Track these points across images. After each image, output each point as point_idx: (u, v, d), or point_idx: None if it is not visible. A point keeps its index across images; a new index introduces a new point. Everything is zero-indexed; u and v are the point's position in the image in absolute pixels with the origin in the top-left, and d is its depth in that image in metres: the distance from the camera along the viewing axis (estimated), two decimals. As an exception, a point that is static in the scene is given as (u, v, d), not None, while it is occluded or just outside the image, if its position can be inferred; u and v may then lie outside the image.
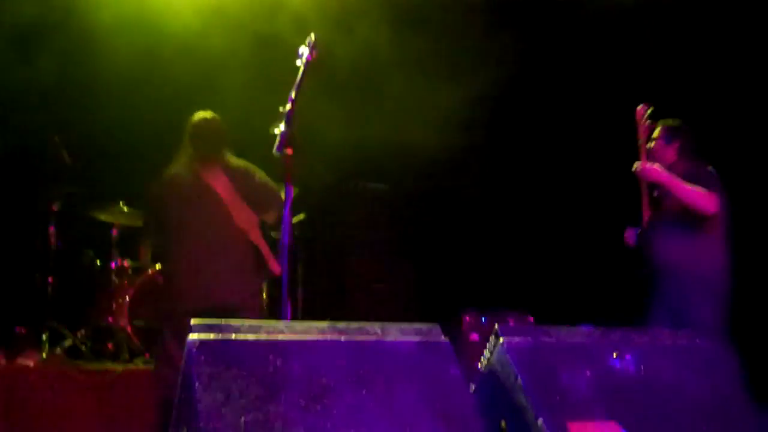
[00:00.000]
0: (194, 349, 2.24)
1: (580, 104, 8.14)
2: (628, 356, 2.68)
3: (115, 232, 6.59)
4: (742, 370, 4.67)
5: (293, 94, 3.51)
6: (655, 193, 5.16)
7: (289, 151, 3.45)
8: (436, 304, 7.99)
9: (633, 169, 5.04)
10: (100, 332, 6.43)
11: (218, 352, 2.24)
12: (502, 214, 8.63)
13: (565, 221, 8.32)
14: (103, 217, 6.63)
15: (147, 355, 6.20)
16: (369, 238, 8.28)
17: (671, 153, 5.18)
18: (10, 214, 6.88)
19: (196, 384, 2.15)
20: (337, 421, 2.23)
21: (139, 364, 6.07)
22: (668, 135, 5.22)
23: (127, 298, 6.34)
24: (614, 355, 2.67)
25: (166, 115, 7.47)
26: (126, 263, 6.61)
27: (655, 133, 5.28)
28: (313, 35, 3.68)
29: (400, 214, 8.49)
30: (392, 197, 8.54)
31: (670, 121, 5.28)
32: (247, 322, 2.38)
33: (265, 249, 4.78)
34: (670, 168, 5.03)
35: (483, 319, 7.37)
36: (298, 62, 3.63)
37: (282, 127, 3.45)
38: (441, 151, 7.71)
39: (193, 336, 2.27)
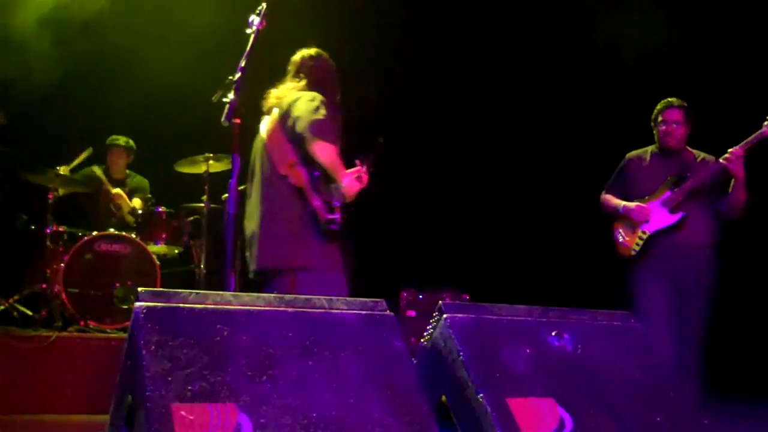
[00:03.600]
0: (141, 317, 2.23)
1: (526, 82, 8.21)
2: (566, 335, 2.75)
3: (51, 197, 6.45)
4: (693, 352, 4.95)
5: (243, 63, 3.49)
6: (686, 175, 5.21)
7: (237, 120, 3.43)
8: (374, 281, 8.03)
9: (730, 156, 5.00)
10: (33, 298, 6.31)
11: (166, 320, 2.24)
12: (442, 192, 8.70)
13: (504, 202, 8.43)
14: (38, 180, 6.49)
15: (81, 322, 6.12)
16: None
17: (684, 137, 5.35)
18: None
19: (143, 351, 2.15)
20: (282, 391, 2.25)
21: (73, 332, 5.99)
22: (688, 117, 5.35)
23: (62, 265, 6.24)
24: (553, 333, 2.74)
25: (107, 80, 7.39)
26: (61, 229, 6.49)
27: (675, 115, 5.32)
28: (264, 4, 3.67)
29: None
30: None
31: (682, 101, 5.37)
32: (195, 292, 2.38)
33: (310, 194, 4.15)
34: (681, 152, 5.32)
35: (420, 296, 7.45)
36: (249, 31, 3.62)
37: (231, 96, 3.42)
38: (380, 129, 7.74)
39: (139, 304, 2.26)
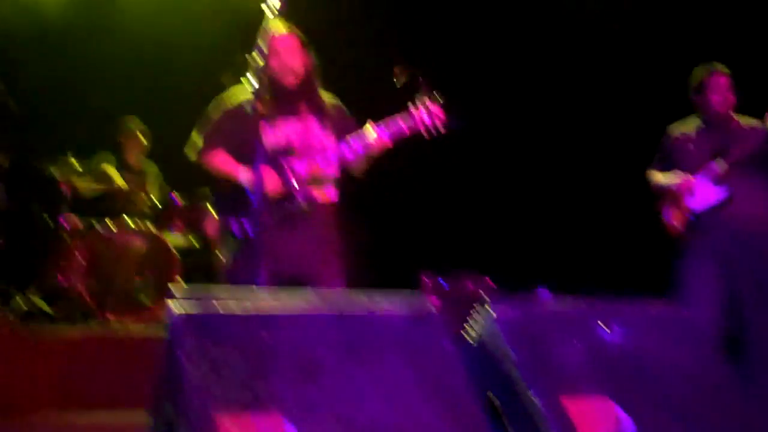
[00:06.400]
0: (177, 322, 2.12)
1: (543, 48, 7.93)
2: (616, 327, 2.63)
3: (67, 189, 6.37)
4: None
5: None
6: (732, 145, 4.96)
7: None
8: (389, 265, 7.86)
9: None
10: (52, 293, 6.24)
11: (204, 325, 2.13)
12: (459, 169, 8.42)
13: (528, 178, 8.18)
14: (54, 172, 6.39)
15: (101, 317, 6.03)
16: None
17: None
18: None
19: (182, 360, 2.05)
20: (328, 397, 2.15)
21: (93, 327, 5.91)
22: (732, 83, 5.11)
23: (80, 258, 6.15)
24: (603, 326, 2.62)
25: (122, 66, 7.25)
26: (79, 221, 6.40)
27: (724, 80, 5.06)
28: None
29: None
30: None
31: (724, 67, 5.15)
32: (231, 292, 2.27)
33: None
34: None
35: (441, 281, 7.33)
36: (267, 10, 3.51)
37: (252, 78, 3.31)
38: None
39: (175, 308, 2.15)
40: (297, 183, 3.98)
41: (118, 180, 6.71)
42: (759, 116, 4.94)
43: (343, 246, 4.23)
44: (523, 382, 2.38)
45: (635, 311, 2.78)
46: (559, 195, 7.97)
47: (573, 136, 7.85)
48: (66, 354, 5.42)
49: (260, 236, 3.65)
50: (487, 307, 2.57)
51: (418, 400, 2.23)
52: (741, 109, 5.17)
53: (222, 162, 4.07)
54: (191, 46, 7.06)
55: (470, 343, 2.59)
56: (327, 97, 4.21)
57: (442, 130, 3.95)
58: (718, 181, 4.93)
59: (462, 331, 2.66)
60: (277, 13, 3.53)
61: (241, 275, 3.81)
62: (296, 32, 4.05)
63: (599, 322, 2.61)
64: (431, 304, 2.50)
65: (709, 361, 2.71)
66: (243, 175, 3.96)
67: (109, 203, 6.86)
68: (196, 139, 4.16)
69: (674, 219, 5.10)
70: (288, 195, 3.99)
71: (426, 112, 3.92)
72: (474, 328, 2.61)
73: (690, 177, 5.03)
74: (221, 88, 4.28)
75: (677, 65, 5.50)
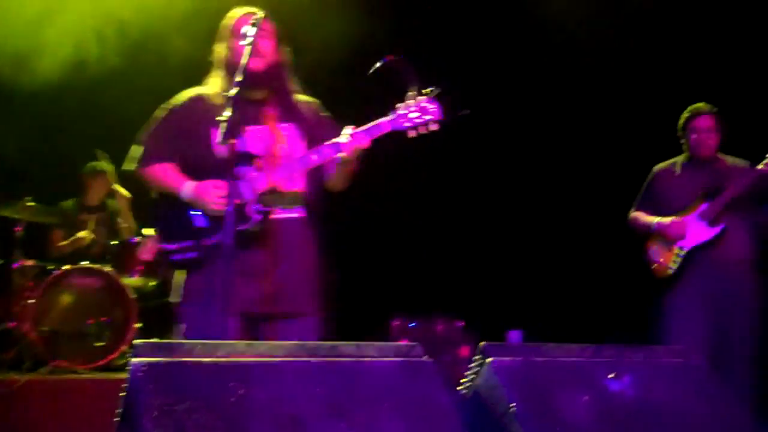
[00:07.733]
0: (140, 375, 1.85)
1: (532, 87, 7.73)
2: (626, 377, 2.40)
3: (18, 230, 6.03)
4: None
5: (239, 78, 3.11)
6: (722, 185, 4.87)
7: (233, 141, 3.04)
8: (357, 308, 7.57)
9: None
10: (2, 339, 5.87)
11: (170, 378, 1.85)
12: (424, 205, 8.14)
13: (494, 213, 7.96)
14: (6, 213, 6.05)
15: (52, 363, 5.68)
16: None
17: (716, 145, 5.04)
18: None
19: (144, 420, 1.77)
20: (311, 460, 1.88)
21: (43, 374, 5.55)
22: (719, 124, 5.02)
23: (32, 302, 5.79)
24: (611, 375, 2.39)
25: (81, 108, 6.95)
26: (30, 263, 6.06)
27: (706, 122, 4.98)
28: (260, 14, 3.29)
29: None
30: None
31: (711, 107, 5.06)
32: (201, 342, 2.00)
33: None
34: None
35: (411, 324, 7.09)
36: (243, 43, 3.23)
37: (227, 113, 3.02)
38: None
39: (137, 359, 1.87)
40: (251, 198, 3.24)
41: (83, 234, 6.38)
42: (754, 155, 4.87)
43: (320, 269, 3.49)
44: (525, 437, 2.14)
45: (644, 359, 2.55)
46: (532, 235, 7.78)
47: (554, 174, 7.69)
48: (14, 402, 5.09)
49: (207, 265, 3.08)
50: (485, 354, 2.33)
51: (413, 461, 1.98)
52: (735, 148, 5.11)
53: (163, 174, 3.34)
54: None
55: (465, 394, 2.35)
56: (302, 98, 3.55)
57: (435, 127, 3.17)
58: (710, 219, 4.84)
59: (454, 381, 2.42)
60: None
61: (196, 315, 3.14)
62: (269, 18, 3.35)
63: (607, 371, 2.38)
64: (423, 352, 2.24)
65: (719, 409, 2.48)
66: (187, 189, 3.25)
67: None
68: (136, 149, 3.42)
69: (661, 257, 4.98)
70: (239, 213, 3.13)
71: (417, 109, 3.17)
72: (470, 378, 2.36)
73: (679, 218, 4.93)
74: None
75: (663, 107, 5.39)
